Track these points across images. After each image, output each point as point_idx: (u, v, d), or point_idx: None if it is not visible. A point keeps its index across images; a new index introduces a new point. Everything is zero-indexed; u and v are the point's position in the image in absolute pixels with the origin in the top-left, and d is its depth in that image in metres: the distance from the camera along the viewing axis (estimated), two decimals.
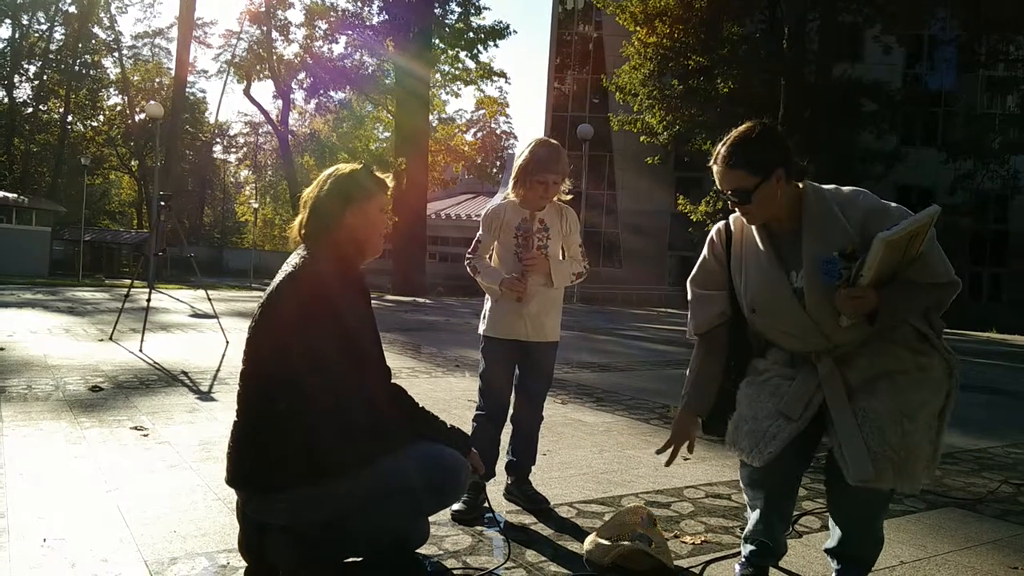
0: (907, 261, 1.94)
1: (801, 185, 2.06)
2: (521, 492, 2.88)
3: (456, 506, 2.62)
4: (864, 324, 1.96)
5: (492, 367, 2.90)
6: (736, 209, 2.09)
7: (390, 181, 2.29)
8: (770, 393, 2.08)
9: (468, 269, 2.92)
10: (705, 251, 2.24)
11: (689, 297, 2.26)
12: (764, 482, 2.15)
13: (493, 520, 2.52)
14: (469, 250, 2.94)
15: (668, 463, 2.24)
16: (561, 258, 2.93)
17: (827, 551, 2.17)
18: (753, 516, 2.22)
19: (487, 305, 2.93)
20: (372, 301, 2.23)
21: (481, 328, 2.93)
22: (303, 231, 2.21)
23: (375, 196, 2.22)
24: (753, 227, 2.11)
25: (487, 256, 2.94)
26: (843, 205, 2.00)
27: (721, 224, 2.23)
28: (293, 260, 2.16)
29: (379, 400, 2.14)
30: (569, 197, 2.93)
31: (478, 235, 2.93)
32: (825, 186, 2.07)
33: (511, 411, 2.94)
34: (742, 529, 2.35)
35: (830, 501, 2.14)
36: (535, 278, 2.83)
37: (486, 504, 2.55)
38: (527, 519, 2.72)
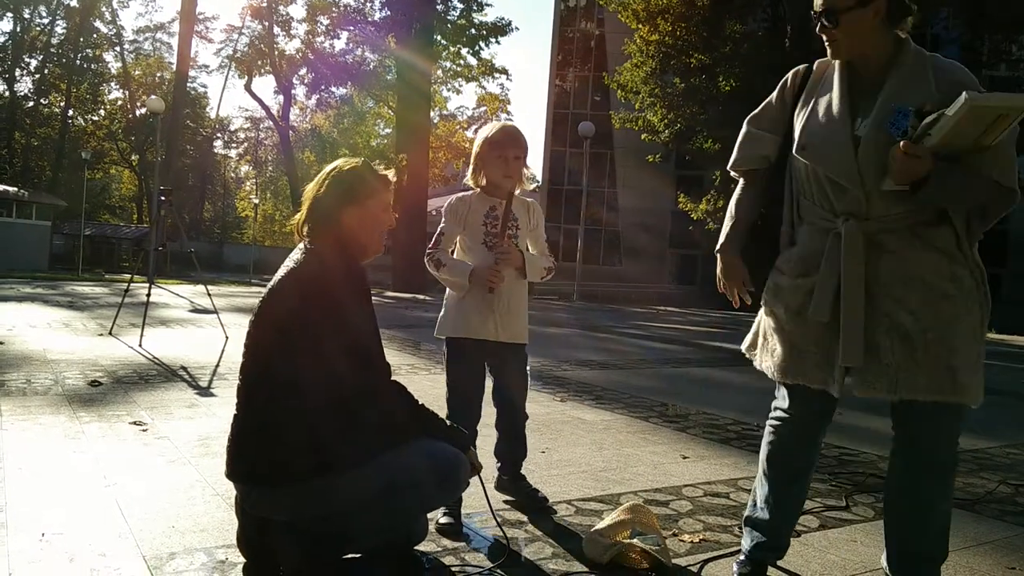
0: (977, 148, 1.80)
1: (903, 35, 1.95)
2: (519, 489, 2.85)
3: (442, 520, 2.53)
4: (907, 195, 1.84)
5: (459, 371, 2.73)
6: (824, 36, 2.00)
7: (392, 176, 2.26)
8: (797, 314, 2.04)
9: (429, 265, 2.72)
10: (775, 93, 2.18)
11: (741, 132, 2.23)
12: (795, 438, 2.13)
13: (491, 518, 2.52)
14: (430, 245, 2.75)
15: (737, 304, 2.23)
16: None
17: (888, 560, 2.09)
18: (760, 494, 2.19)
19: (448, 303, 2.76)
20: (372, 297, 2.23)
21: (441, 330, 2.76)
22: (303, 229, 2.20)
23: (376, 193, 2.20)
24: (836, 66, 2.03)
25: (449, 250, 2.80)
26: (938, 70, 1.91)
27: (802, 66, 2.15)
28: (295, 256, 2.15)
29: (382, 396, 2.14)
30: (533, 187, 2.86)
31: (440, 227, 2.77)
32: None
33: (494, 419, 2.84)
34: (741, 528, 2.34)
35: (893, 449, 2.06)
36: (507, 271, 2.69)
37: (485, 500, 2.54)
38: (525, 517, 2.72)
